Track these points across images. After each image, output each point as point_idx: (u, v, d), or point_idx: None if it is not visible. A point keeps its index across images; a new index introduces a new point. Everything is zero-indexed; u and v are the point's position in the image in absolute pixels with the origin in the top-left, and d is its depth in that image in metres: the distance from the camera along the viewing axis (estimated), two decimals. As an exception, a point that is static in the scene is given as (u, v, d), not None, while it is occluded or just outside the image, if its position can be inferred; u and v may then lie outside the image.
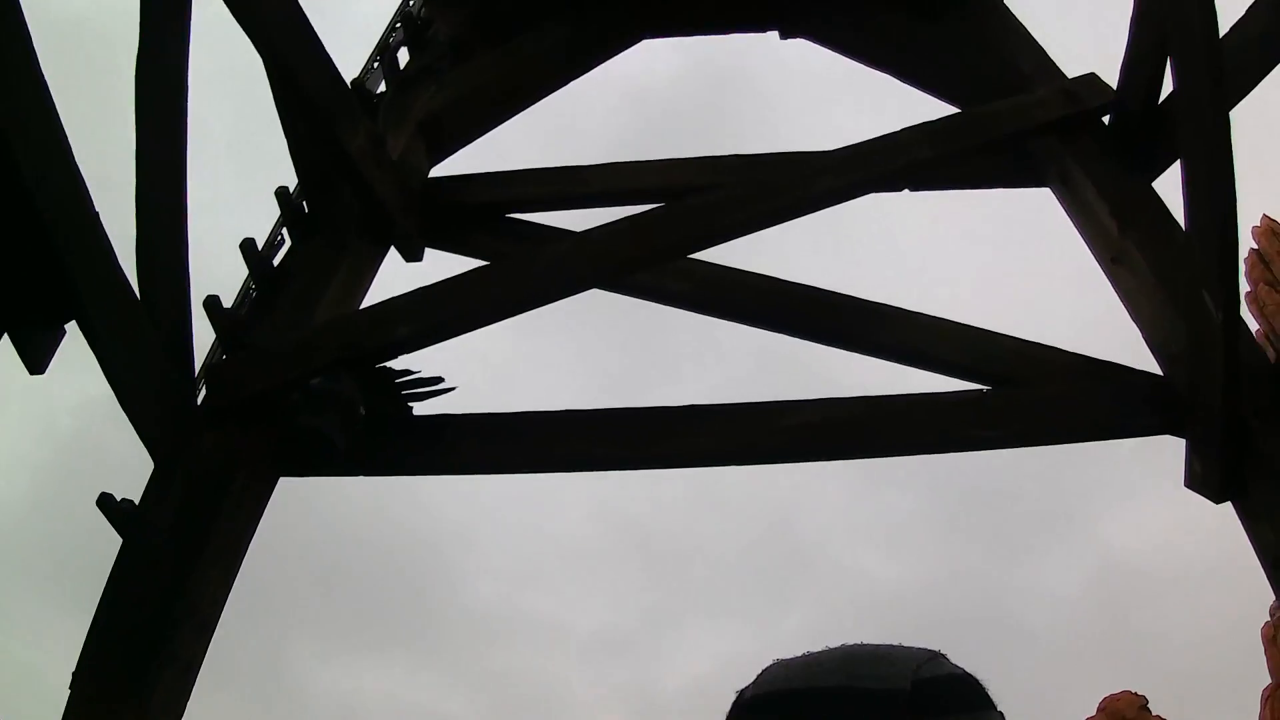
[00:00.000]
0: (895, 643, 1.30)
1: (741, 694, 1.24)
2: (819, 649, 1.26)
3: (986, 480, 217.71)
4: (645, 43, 5.70)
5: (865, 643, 1.28)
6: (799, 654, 1.27)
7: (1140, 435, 4.00)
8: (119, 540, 3.59)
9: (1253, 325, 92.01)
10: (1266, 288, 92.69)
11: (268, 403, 3.92)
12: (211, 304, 4.09)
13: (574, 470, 3.99)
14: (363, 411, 3.92)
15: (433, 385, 4.15)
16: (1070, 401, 4.06)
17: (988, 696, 1.28)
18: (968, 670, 1.29)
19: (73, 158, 3.26)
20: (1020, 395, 4.16)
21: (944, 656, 1.30)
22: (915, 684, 1.21)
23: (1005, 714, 1.21)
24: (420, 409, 4.13)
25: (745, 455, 3.98)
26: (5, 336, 3.32)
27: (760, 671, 1.27)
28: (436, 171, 5.33)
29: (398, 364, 4.01)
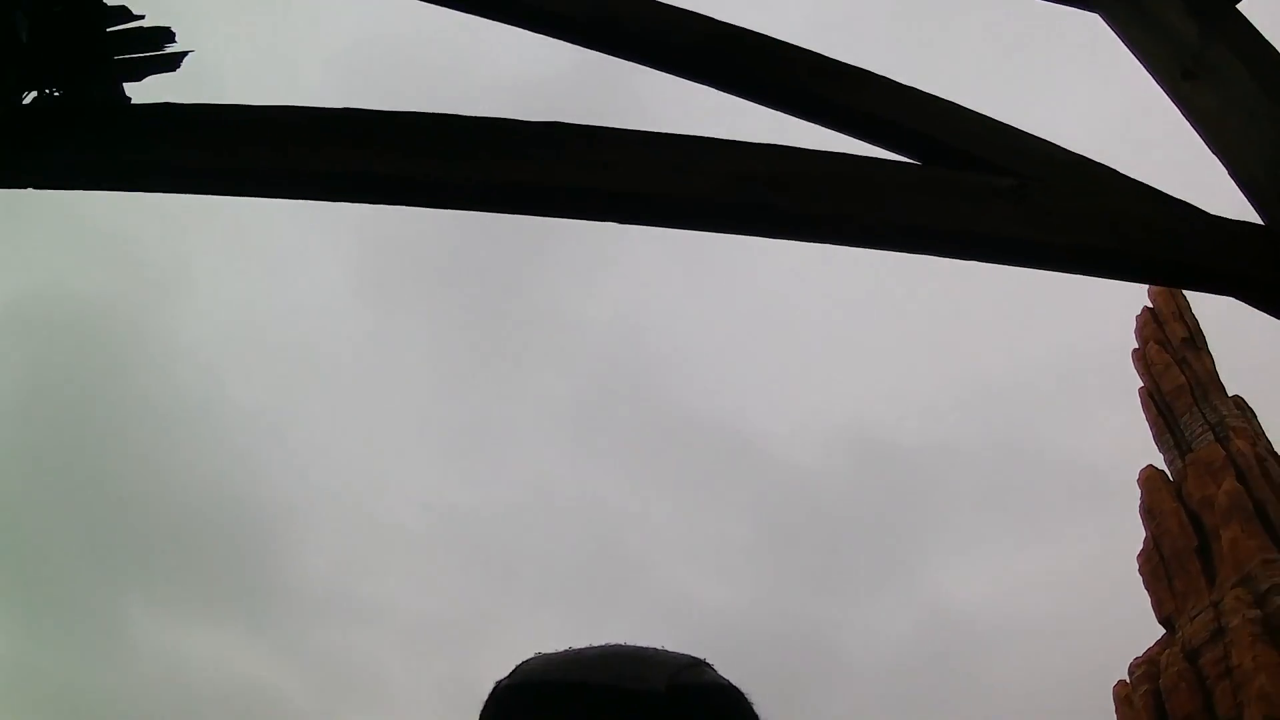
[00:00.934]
0: (660, 647, 1.34)
1: (498, 684, 1.29)
2: (583, 645, 1.29)
3: (821, 518, 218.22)
4: None
5: (629, 644, 1.32)
6: (562, 649, 1.30)
7: (1233, 289, 2.63)
8: None
9: (1137, 381, 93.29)
10: (1156, 347, 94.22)
11: None
12: None
13: (345, 195, 2.39)
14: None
15: (160, 48, 2.56)
16: (1142, 225, 2.66)
17: (750, 711, 1.33)
18: (733, 683, 1.34)
19: None
20: (1073, 202, 2.72)
21: (708, 665, 1.35)
22: (671, 688, 1.25)
23: None
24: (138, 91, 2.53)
25: (643, 203, 2.42)
26: None
27: (520, 663, 1.30)
28: None
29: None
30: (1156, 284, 3.05)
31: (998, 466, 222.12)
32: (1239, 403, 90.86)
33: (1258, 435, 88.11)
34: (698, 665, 1.34)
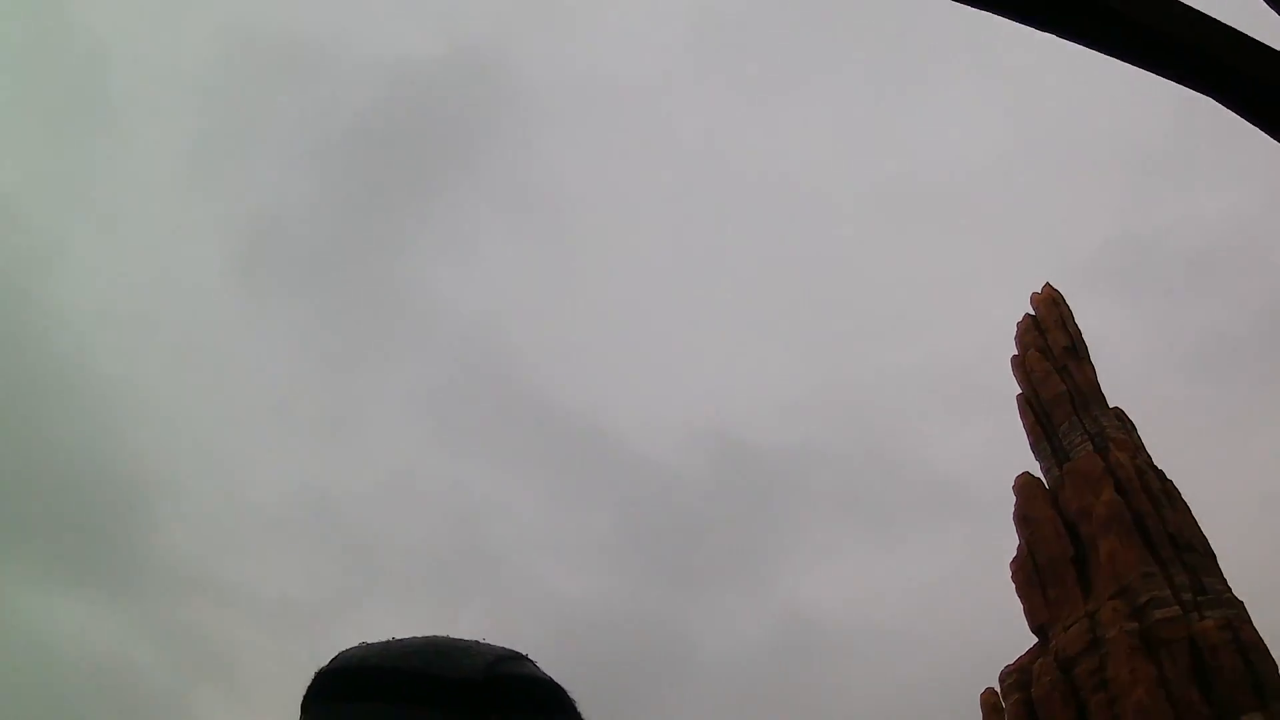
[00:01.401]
0: (482, 639, 1.38)
1: (319, 670, 1.33)
2: (406, 636, 1.34)
3: (679, 515, 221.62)
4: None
5: (452, 636, 1.36)
6: (385, 638, 1.35)
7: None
8: None
9: (1002, 392, 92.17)
10: (1037, 354, 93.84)
11: None
12: None
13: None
14: None
15: None
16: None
17: (570, 705, 1.37)
18: (553, 679, 1.39)
19: None
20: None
21: (529, 659, 1.39)
22: (489, 678, 1.30)
23: None
24: None
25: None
26: None
27: (342, 651, 1.34)
28: None
29: None
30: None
31: (857, 472, 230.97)
32: (1119, 414, 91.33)
33: (1137, 448, 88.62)
34: (518, 658, 1.37)
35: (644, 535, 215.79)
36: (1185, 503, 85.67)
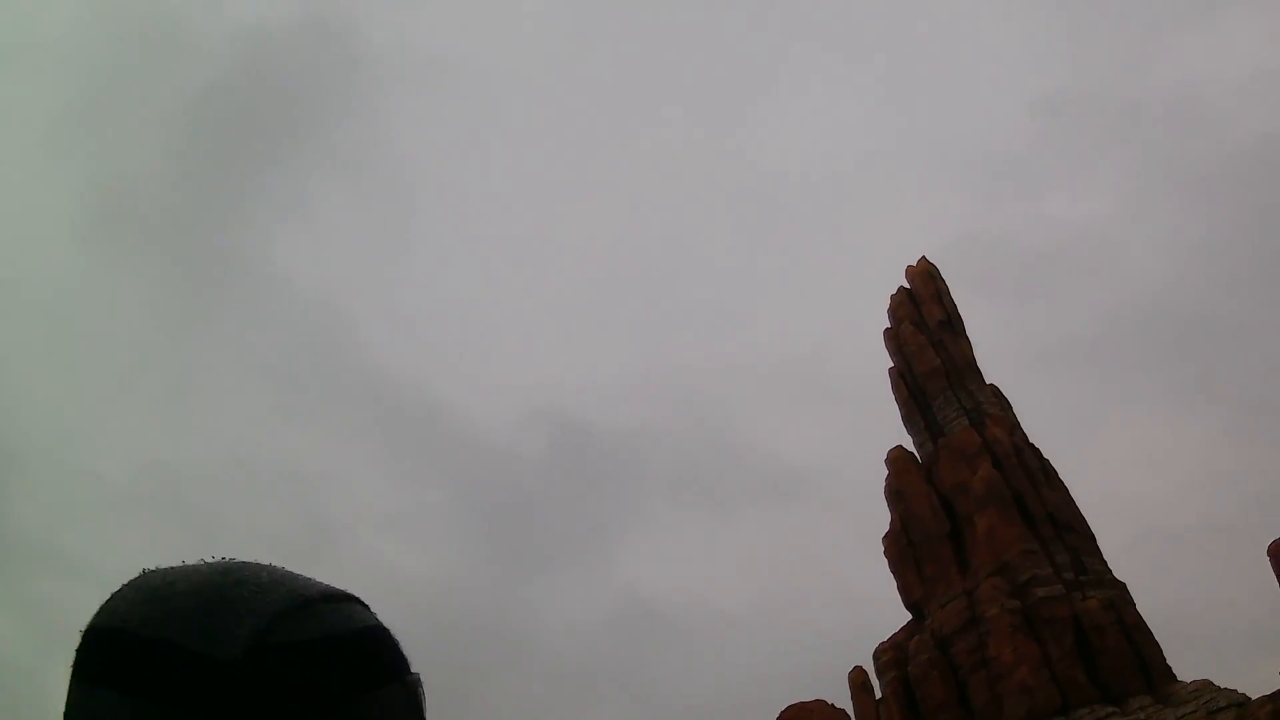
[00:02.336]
0: (279, 572, 1.25)
1: (86, 630, 1.23)
2: (191, 565, 1.24)
3: (518, 494, 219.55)
4: None
5: (246, 569, 1.23)
6: (165, 570, 1.25)
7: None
8: None
9: (888, 361, 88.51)
10: (912, 327, 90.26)
11: None
12: None
13: None
14: None
15: None
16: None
17: (390, 668, 1.22)
18: (375, 631, 1.24)
19: None
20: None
21: (350, 604, 1.25)
22: (253, 650, 1.14)
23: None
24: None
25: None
26: None
27: (111, 596, 1.26)
28: None
29: None
30: None
31: (696, 456, 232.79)
32: (995, 391, 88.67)
33: (1014, 425, 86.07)
34: (304, 609, 1.20)
35: (482, 513, 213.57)
36: (1063, 482, 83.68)
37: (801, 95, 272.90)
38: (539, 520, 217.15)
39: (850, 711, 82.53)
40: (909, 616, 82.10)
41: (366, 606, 1.29)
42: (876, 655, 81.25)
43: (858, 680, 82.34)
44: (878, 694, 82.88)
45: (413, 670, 1.25)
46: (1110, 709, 69.95)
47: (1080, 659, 72.34)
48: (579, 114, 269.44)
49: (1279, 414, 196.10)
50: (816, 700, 68.79)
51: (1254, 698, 67.68)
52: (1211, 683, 71.32)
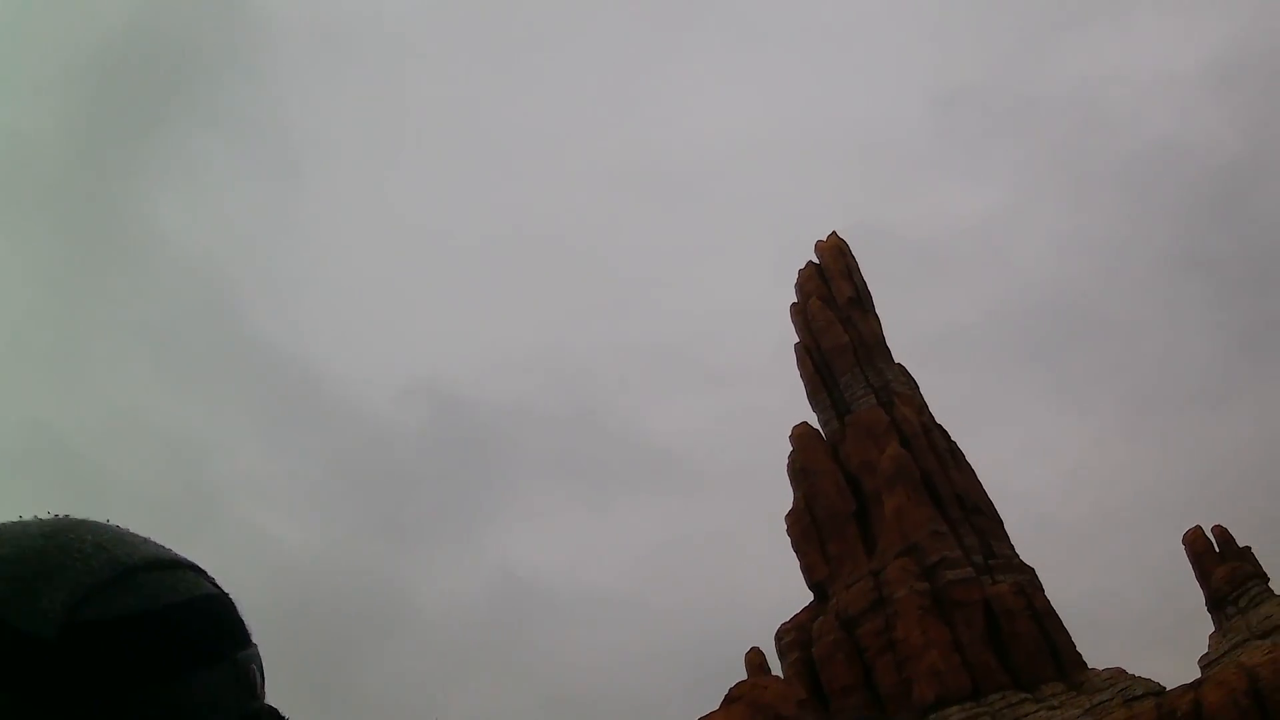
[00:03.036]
0: (114, 534, 1.17)
1: None
2: (23, 522, 1.14)
3: (396, 467, 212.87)
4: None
5: (76, 528, 1.14)
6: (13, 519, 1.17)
7: None
8: None
9: (794, 337, 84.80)
10: (820, 303, 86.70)
11: None
12: None
13: None
14: None
15: None
16: None
17: (221, 644, 1.14)
18: (208, 599, 1.16)
19: None
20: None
21: (182, 570, 1.15)
22: (67, 627, 1.07)
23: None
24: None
25: None
26: None
27: None
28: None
29: None
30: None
31: (576, 437, 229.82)
32: (903, 370, 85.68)
33: (921, 405, 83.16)
34: (125, 579, 1.10)
35: (361, 485, 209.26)
36: (969, 465, 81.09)
37: (699, 79, 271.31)
38: (417, 494, 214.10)
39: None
40: (804, 599, 78.15)
41: (201, 572, 1.18)
42: (779, 636, 76.94)
43: (754, 661, 77.83)
44: (777, 675, 78.71)
45: (252, 643, 1.15)
46: (1023, 695, 67.13)
47: (991, 644, 69.40)
48: (473, 87, 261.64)
49: (1164, 411, 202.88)
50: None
51: (1168, 688, 65.78)
52: (1125, 671, 69.40)
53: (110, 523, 1.15)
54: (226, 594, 1.17)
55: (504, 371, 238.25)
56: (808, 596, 78.64)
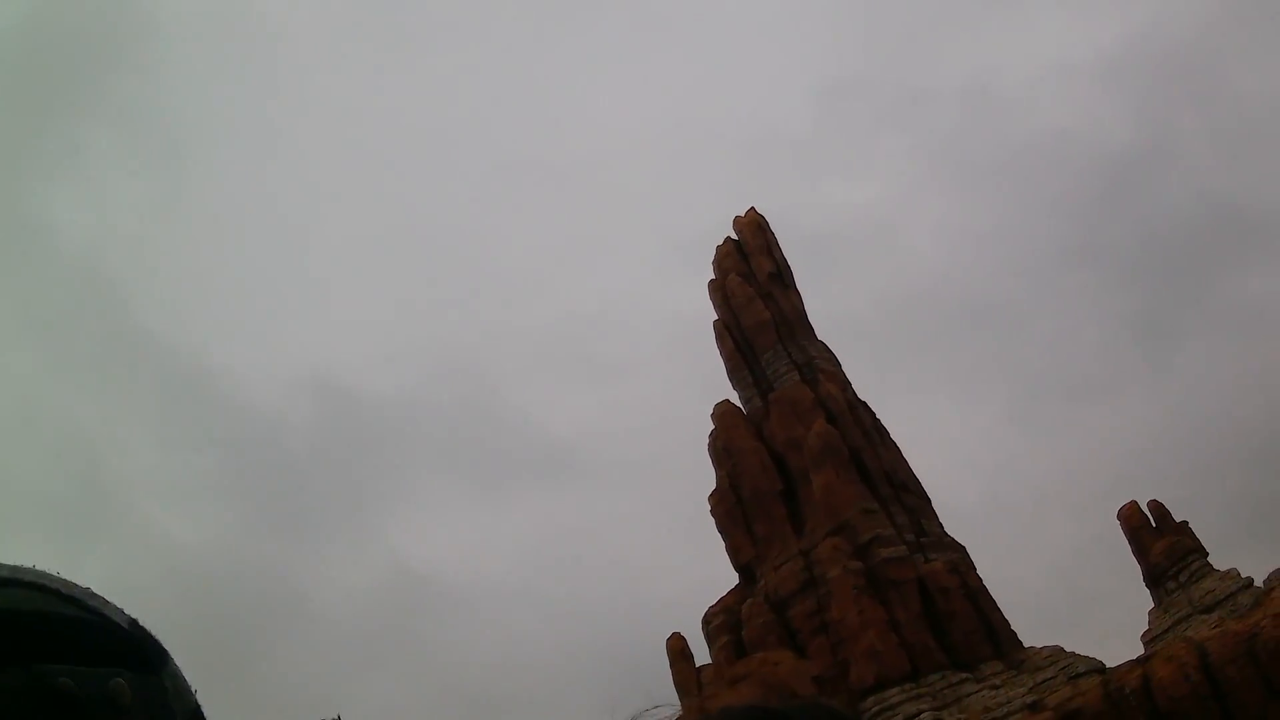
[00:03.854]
0: None
1: None
2: None
3: (285, 461, 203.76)
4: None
5: None
6: None
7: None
8: None
9: (712, 315, 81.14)
10: (739, 279, 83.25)
11: None
12: None
13: None
14: None
15: None
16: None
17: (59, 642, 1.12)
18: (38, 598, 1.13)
19: None
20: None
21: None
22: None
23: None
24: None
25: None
26: None
27: None
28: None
29: None
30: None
31: (469, 427, 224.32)
32: (825, 347, 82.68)
33: (845, 382, 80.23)
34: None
35: (253, 480, 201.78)
36: (895, 443, 78.34)
37: (589, 69, 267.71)
38: (310, 488, 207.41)
39: (671, 680, 73.48)
40: (711, 585, 74.20)
41: (46, 592, 1.13)
42: (707, 619, 72.64)
43: (676, 648, 73.38)
44: (698, 661, 74.36)
45: (96, 666, 1.12)
46: (963, 675, 64.30)
47: (928, 623, 66.38)
48: (358, 78, 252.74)
49: (1056, 401, 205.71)
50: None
51: (1109, 666, 63.68)
52: (1064, 649, 67.11)
53: None
54: (95, 619, 1.13)
55: (393, 363, 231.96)
56: (715, 582, 74.87)
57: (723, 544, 75.68)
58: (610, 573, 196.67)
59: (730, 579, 75.24)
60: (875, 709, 63.13)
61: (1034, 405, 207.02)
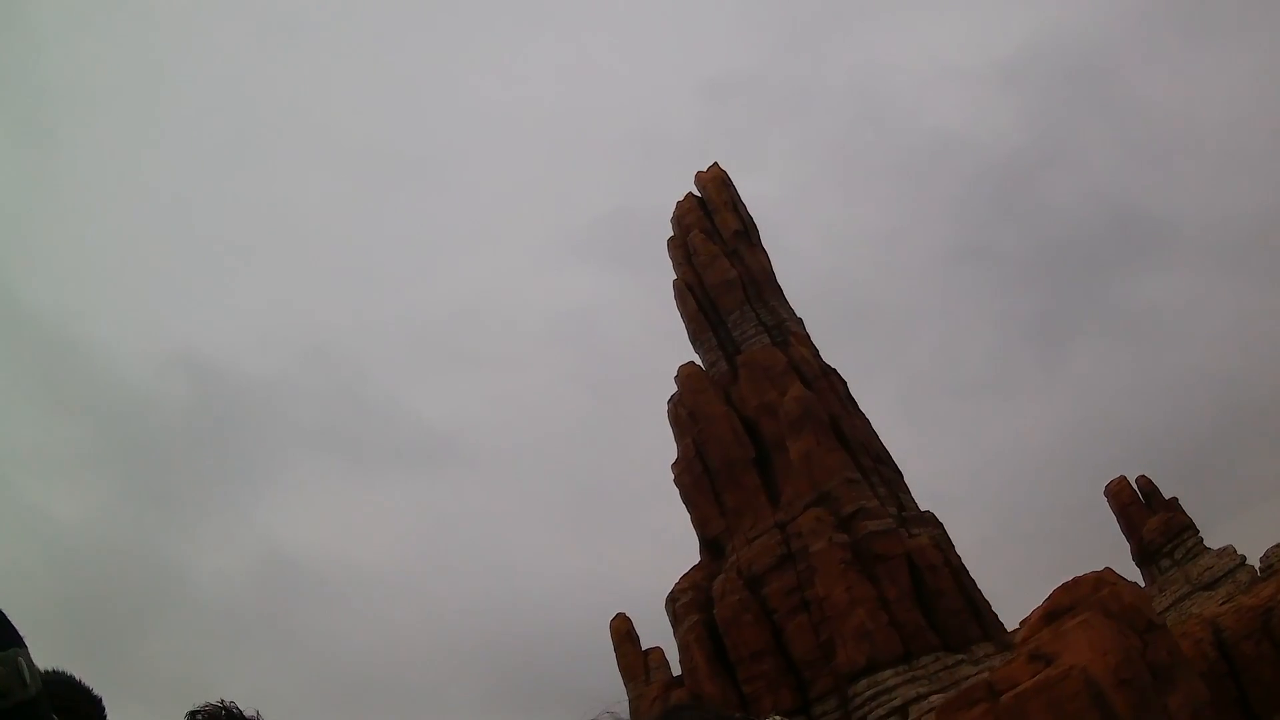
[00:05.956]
0: None
1: None
2: None
3: (158, 439, 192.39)
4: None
5: None
6: None
7: None
8: None
9: (671, 275, 75.54)
10: (703, 236, 77.75)
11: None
12: None
13: None
14: None
15: None
16: None
17: None
18: None
19: None
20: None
21: None
22: None
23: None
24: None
25: None
26: None
27: None
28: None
29: None
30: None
31: (338, 413, 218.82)
32: (793, 311, 77.85)
33: (815, 348, 75.49)
34: None
35: (128, 458, 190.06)
36: (864, 414, 73.82)
37: (471, 60, 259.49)
38: (183, 467, 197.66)
39: (617, 665, 67.78)
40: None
41: None
42: (673, 597, 66.88)
43: (622, 629, 67.71)
44: (643, 644, 68.87)
45: (3, 649, 1.15)
46: (958, 657, 59.95)
47: (917, 602, 61.91)
48: (236, 60, 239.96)
49: (942, 400, 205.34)
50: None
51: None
52: (1046, 632, 63.26)
53: None
54: None
55: (265, 346, 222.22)
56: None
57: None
58: (489, 562, 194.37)
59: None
60: (869, 692, 58.39)
61: (919, 406, 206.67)
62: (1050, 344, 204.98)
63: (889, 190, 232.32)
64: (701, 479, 69.87)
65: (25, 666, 1.11)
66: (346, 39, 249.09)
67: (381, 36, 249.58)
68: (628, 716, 1.32)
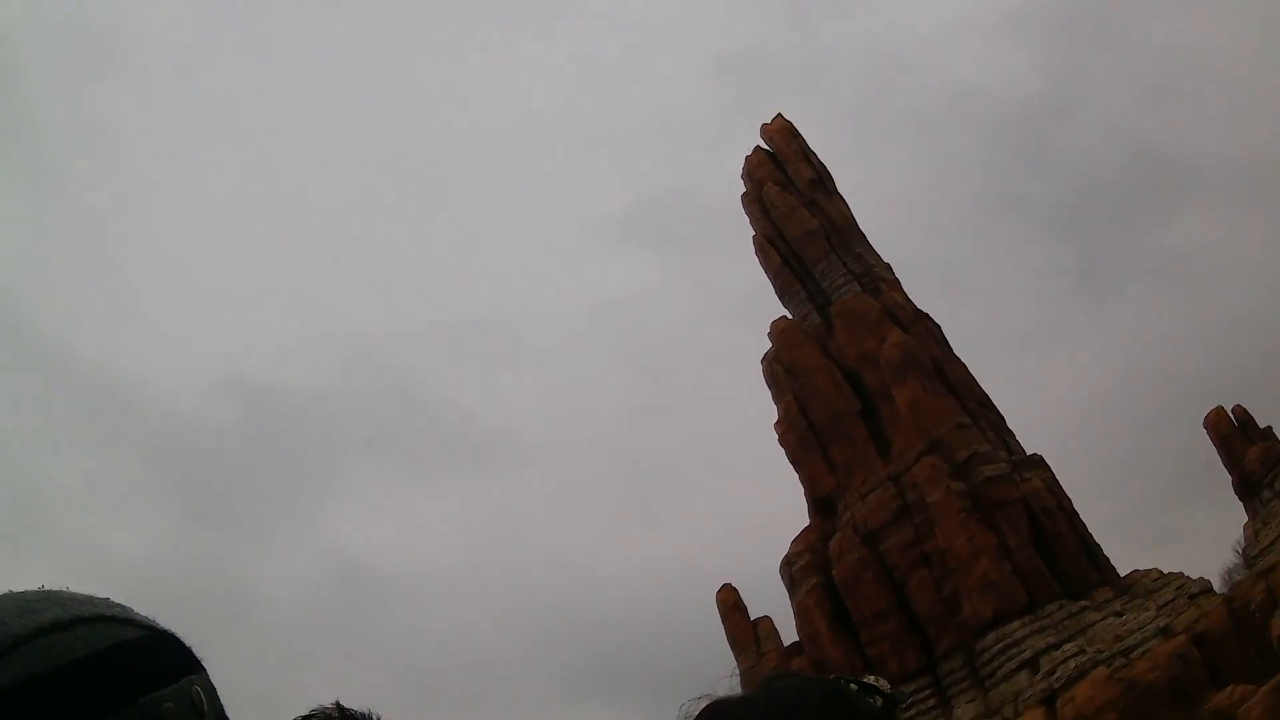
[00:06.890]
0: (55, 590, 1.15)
1: None
2: None
3: (215, 464, 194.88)
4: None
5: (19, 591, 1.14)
6: None
7: None
8: None
9: (750, 231, 74.46)
10: (777, 188, 76.49)
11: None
12: None
13: None
14: None
15: None
16: None
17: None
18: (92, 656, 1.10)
19: None
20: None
21: (68, 626, 1.09)
22: None
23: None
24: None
25: None
26: None
27: None
28: None
29: None
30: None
31: (389, 416, 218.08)
32: (880, 256, 76.98)
33: (907, 294, 74.81)
34: (3, 658, 1.05)
35: (184, 484, 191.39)
36: (960, 358, 73.30)
37: (484, 57, 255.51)
38: (246, 487, 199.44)
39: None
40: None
41: (119, 621, 1.13)
42: (788, 561, 67.37)
43: (729, 600, 68.21)
44: (752, 614, 69.29)
45: (184, 675, 1.13)
46: (1082, 604, 60.38)
47: (1036, 548, 62.13)
48: (258, 68, 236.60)
49: (998, 353, 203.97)
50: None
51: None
52: (1161, 570, 63.57)
53: (34, 589, 1.11)
54: (153, 634, 1.14)
55: (307, 355, 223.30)
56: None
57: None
58: (554, 554, 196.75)
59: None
60: (997, 646, 58.96)
61: (978, 362, 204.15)
62: (1093, 292, 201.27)
63: (909, 151, 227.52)
64: (807, 436, 69.85)
65: (202, 695, 1.09)
66: (361, 43, 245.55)
67: (395, 41, 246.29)
68: (739, 690, 1.32)
